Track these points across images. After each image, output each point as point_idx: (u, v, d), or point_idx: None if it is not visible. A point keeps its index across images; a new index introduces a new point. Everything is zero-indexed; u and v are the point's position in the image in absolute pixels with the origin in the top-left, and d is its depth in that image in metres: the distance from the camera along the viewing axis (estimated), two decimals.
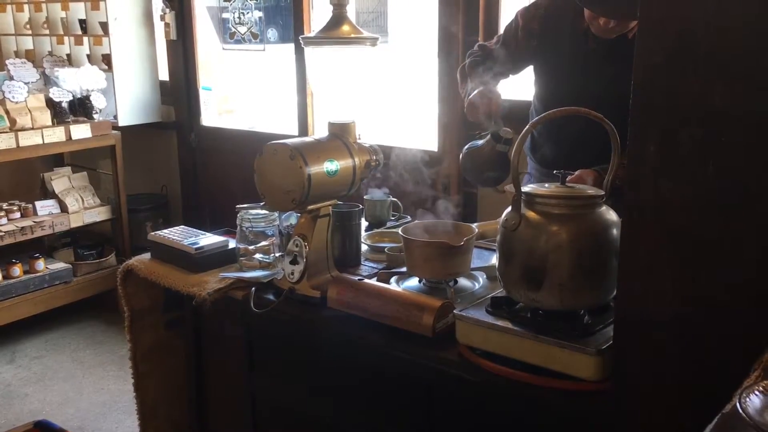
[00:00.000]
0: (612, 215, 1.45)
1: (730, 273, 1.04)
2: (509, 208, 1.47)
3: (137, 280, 2.15)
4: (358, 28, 1.79)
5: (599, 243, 1.41)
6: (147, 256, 2.18)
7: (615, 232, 1.41)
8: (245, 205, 2.06)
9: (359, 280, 1.74)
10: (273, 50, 4.74)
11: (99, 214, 4.11)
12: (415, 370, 1.57)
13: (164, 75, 4.45)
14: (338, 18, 1.78)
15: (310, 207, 1.78)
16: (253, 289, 1.87)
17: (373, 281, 1.79)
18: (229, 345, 2.08)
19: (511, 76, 2.24)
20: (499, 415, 1.49)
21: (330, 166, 1.75)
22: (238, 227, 2.04)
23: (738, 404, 0.71)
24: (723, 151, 1.01)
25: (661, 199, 1.07)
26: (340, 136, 1.83)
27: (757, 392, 0.73)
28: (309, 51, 1.85)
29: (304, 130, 3.95)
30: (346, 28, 1.77)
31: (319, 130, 3.89)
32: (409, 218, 2.42)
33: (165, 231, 2.18)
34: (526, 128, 1.47)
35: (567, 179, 1.51)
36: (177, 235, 2.13)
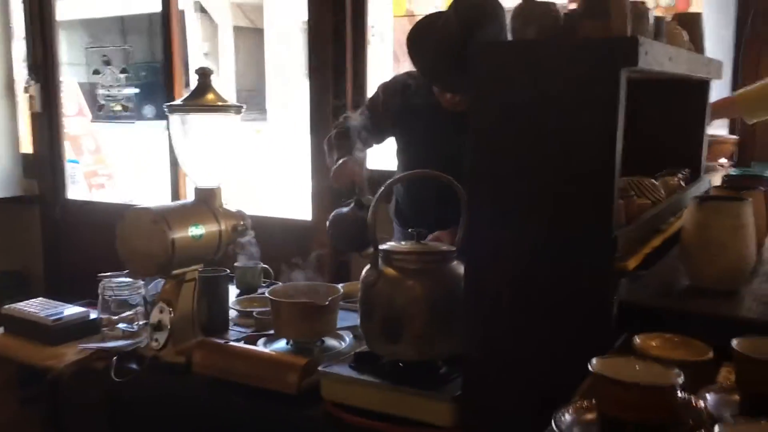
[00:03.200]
0: (460, 267, 1.55)
1: (555, 316, 1.14)
2: (368, 266, 1.54)
3: None
4: (222, 96, 1.85)
5: (452, 294, 1.49)
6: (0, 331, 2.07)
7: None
8: (108, 274, 2.02)
9: (224, 342, 1.74)
10: (148, 126, 4.70)
11: None
12: (283, 429, 1.57)
13: (27, 147, 4.29)
14: (203, 87, 1.83)
15: (176, 272, 1.77)
16: (114, 358, 1.82)
17: (240, 344, 1.80)
18: (92, 420, 1.99)
19: (374, 145, 2.36)
20: None
21: (195, 230, 1.76)
22: (100, 296, 2.00)
23: (553, 422, 0.79)
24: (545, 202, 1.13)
25: (496, 247, 1.17)
26: (206, 201, 1.85)
27: (569, 412, 0.81)
28: (174, 119, 1.88)
29: (176, 199, 3.92)
30: (210, 96, 1.82)
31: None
32: (280, 284, 2.45)
33: (22, 303, 2.09)
34: (382, 187, 1.57)
35: (424, 240, 1.61)
36: (34, 307, 2.05)
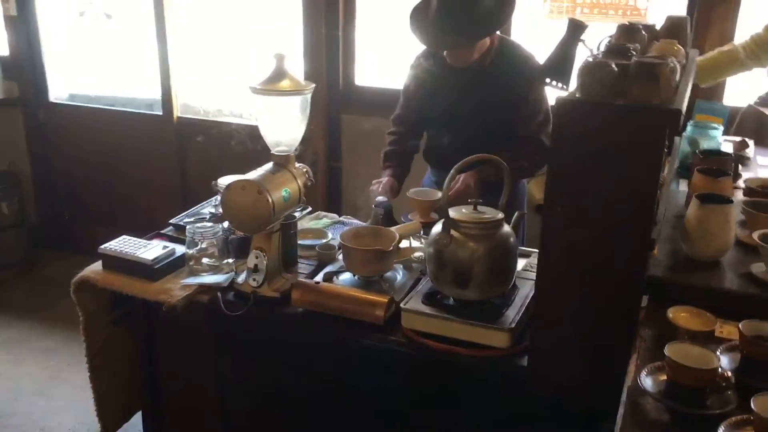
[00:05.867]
0: (507, 229, 2.04)
1: (606, 284, 1.67)
2: (440, 229, 2.01)
3: (88, 288, 2.41)
4: (295, 78, 2.18)
5: (505, 251, 2.01)
6: (98, 266, 2.43)
7: (512, 240, 2.02)
8: (191, 220, 2.40)
9: (316, 283, 2.20)
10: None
11: None
12: (369, 352, 2.09)
13: (4, 50, 4.31)
14: (280, 71, 2.16)
15: (269, 227, 2.18)
16: (219, 293, 2.25)
17: (320, 278, 2.27)
18: (192, 341, 2.44)
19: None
20: (437, 381, 2.07)
21: (285, 193, 2.16)
22: (188, 237, 2.37)
23: (639, 379, 1.34)
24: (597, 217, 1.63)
25: (566, 240, 1.67)
26: (284, 165, 2.22)
27: (648, 373, 1.37)
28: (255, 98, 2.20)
29: (167, 93, 4.08)
30: (286, 81, 2.16)
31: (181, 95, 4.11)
32: (310, 208, 2.89)
33: (113, 243, 2.43)
34: (450, 173, 2.02)
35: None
36: (127, 246, 2.40)
